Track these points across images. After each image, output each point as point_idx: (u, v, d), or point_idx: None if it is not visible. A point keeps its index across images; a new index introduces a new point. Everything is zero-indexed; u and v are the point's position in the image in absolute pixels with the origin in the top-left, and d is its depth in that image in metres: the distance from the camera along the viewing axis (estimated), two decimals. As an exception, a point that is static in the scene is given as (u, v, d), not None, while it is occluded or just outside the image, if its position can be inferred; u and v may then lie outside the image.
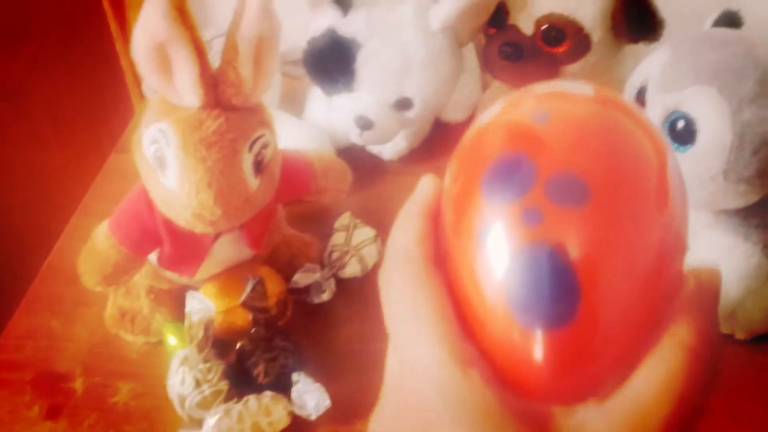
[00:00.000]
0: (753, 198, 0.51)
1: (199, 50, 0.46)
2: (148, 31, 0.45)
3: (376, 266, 0.67)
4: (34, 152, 0.86)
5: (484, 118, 0.30)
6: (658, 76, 0.52)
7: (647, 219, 0.26)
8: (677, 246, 0.28)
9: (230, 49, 0.47)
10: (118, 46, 0.96)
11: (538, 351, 0.26)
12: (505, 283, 0.26)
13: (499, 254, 0.26)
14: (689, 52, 0.51)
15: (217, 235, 0.56)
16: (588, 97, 0.29)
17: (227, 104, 0.49)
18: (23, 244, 0.80)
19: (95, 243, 0.56)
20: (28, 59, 0.83)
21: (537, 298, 0.26)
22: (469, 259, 0.28)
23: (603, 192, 0.26)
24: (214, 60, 0.48)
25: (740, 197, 0.51)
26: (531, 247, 0.26)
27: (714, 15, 0.56)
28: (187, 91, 0.47)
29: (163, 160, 0.49)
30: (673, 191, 0.27)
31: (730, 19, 0.55)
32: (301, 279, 0.63)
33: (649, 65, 0.54)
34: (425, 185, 0.33)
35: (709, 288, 0.30)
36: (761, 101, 0.48)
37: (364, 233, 0.67)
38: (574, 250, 0.25)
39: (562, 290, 0.25)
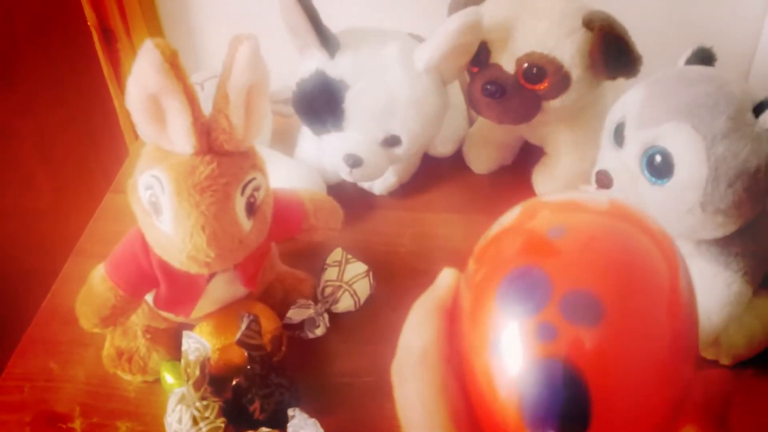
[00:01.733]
0: (730, 228, 0.53)
1: (192, 100, 0.47)
2: (141, 83, 0.46)
3: (369, 300, 0.69)
4: (26, 195, 0.87)
5: (504, 221, 0.32)
6: (635, 113, 0.54)
7: (659, 331, 0.27)
8: (688, 352, 0.28)
9: (221, 98, 0.49)
10: (111, 87, 0.97)
11: None
12: (518, 395, 0.27)
13: (512, 366, 0.27)
14: (664, 90, 0.53)
15: (212, 275, 0.58)
16: (602, 210, 0.30)
17: (219, 150, 0.50)
18: (20, 286, 0.80)
19: (92, 286, 0.57)
20: (19, 102, 0.84)
21: (550, 412, 0.26)
22: (484, 365, 0.29)
23: (616, 310, 0.27)
24: (206, 103, 0.49)
25: (718, 227, 0.53)
26: (545, 363, 0.26)
27: (688, 52, 0.58)
28: (181, 139, 0.49)
29: (157, 205, 0.51)
30: (684, 300, 0.28)
31: (704, 56, 0.57)
32: (295, 315, 0.64)
33: (627, 102, 0.55)
34: (443, 279, 0.34)
35: (718, 393, 0.30)
36: (733, 136, 0.49)
37: (356, 268, 0.68)
38: (587, 367, 0.26)
39: (575, 406, 0.26)
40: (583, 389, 0.26)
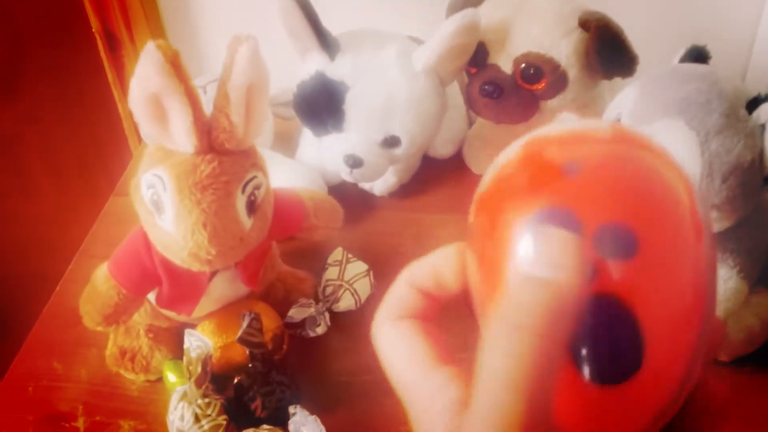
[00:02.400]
0: (725, 224, 0.53)
1: (193, 99, 0.48)
2: (144, 83, 0.47)
3: (370, 299, 0.69)
4: (31, 200, 0.88)
5: (504, 162, 0.29)
6: (630, 110, 0.54)
7: (692, 258, 0.26)
8: (713, 282, 0.28)
9: (222, 98, 0.50)
10: (115, 93, 0.98)
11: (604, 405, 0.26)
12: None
13: None
14: (658, 88, 0.54)
15: (214, 274, 0.58)
16: (609, 138, 0.28)
17: (220, 149, 0.51)
18: (24, 290, 0.81)
19: (95, 284, 0.58)
20: (24, 109, 0.85)
21: (605, 354, 0.25)
22: None
23: (650, 241, 0.25)
24: (209, 106, 0.50)
25: (713, 223, 0.53)
26: (589, 300, 0.25)
27: (682, 51, 0.58)
28: (182, 138, 0.49)
29: (159, 204, 0.51)
30: (705, 224, 0.27)
31: (698, 54, 0.58)
32: (296, 314, 0.64)
33: (622, 100, 0.56)
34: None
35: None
36: (727, 132, 0.50)
37: (357, 267, 0.69)
38: (634, 302, 0.25)
39: (630, 343, 0.25)
40: (635, 325, 0.25)
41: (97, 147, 0.98)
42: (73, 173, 0.95)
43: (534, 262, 0.25)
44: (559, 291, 0.24)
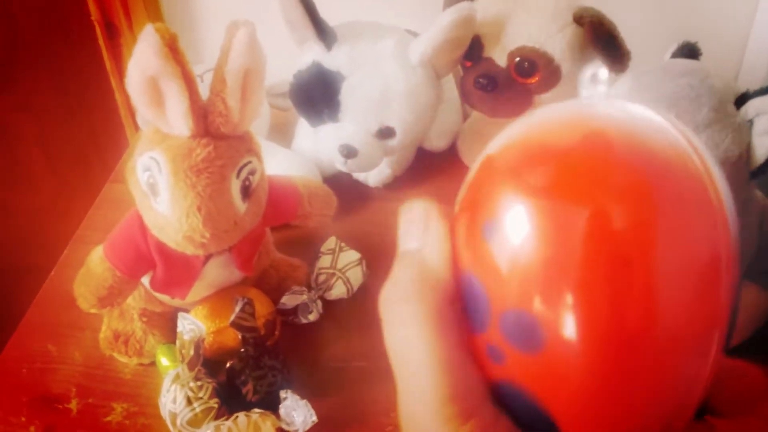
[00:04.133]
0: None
1: (189, 83, 0.49)
2: (141, 67, 0.48)
3: (362, 288, 0.70)
4: (27, 190, 0.88)
5: (460, 196, 0.25)
6: (621, 105, 0.55)
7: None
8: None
9: (218, 81, 0.51)
10: (113, 81, 0.98)
11: None
12: None
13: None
14: (650, 82, 0.54)
15: (208, 258, 0.59)
16: (567, 160, 0.22)
17: (216, 133, 0.52)
18: (20, 273, 0.81)
19: (90, 266, 0.58)
20: (21, 98, 0.85)
21: None
22: None
23: (556, 336, 0.21)
24: (205, 92, 0.51)
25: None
26: (500, 386, 0.23)
27: (673, 46, 0.59)
28: (178, 121, 0.50)
29: (155, 187, 0.52)
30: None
31: (689, 51, 0.59)
32: (288, 300, 0.65)
33: (614, 94, 0.57)
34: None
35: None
36: (716, 126, 0.51)
37: (350, 256, 0.69)
38: (541, 396, 0.22)
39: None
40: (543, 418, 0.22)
41: (94, 136, 0.98)
42: (70, 161, 0.95)
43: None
44: (423, 262, 0.24)
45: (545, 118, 0.24)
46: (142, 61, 0.48)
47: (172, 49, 0.47)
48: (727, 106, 0.52)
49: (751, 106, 0.51)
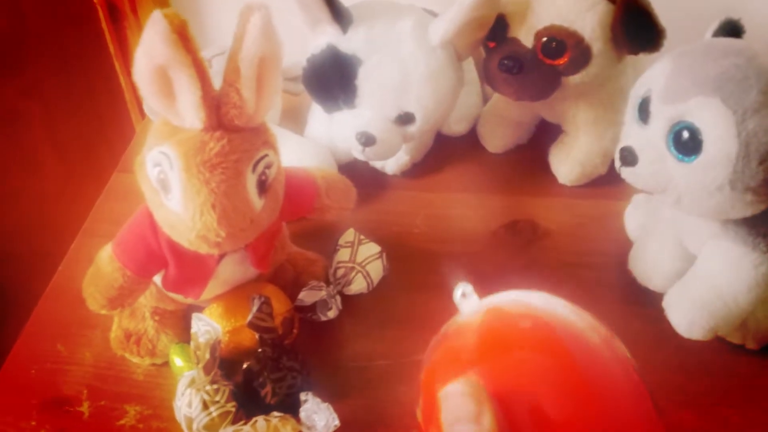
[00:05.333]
0: (760, 207, 0.51)
1: (201, 72, 0.45)
2: (149, 55, 0.45)
3: (382, 282, 0.67)
4: (34, 176, 0.86)
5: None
6: (661, 87, 0.51)
7: None
8: None
9: (232, 71, 0.47)
10: (117, 66, 0.96)
11: None
12: None
13: None
14: (691, 63, 0.51)
15: (222, 256, 0.56)
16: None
17: (230, 125, 0.49)
18: (26, 267, 0.79)
19: (99, 266, 0.56)
20: (27, 84, 0.83)
21: None
22: None
23: None
24: (215, 81, 0.48)
25: (747, 207, 0.51)
26: None
27: (714, 24, 0.55)
28: (190, 113, 0.47)
29: (166, 183, 0.49)
30: None
31: (731, 28, 0.55)
32: (306, 297, 0.63)
33: (652, 76, 0.53)
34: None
35: None
36: (765, 111, 0.47)
37: (369, 249, 0.67)
38: None
39: None
40: None
41: (100, 122, 0.96)
42: (77, 149, 0.93)
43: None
44: None
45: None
46: (150, 49, 0.44)
47: (182, 36, 0.44)
48: (777, 89, 0.48)
49: (804, 89, 0.48)
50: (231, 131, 0.49)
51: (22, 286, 0.75)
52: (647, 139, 0.52)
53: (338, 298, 0.64)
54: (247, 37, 0.46)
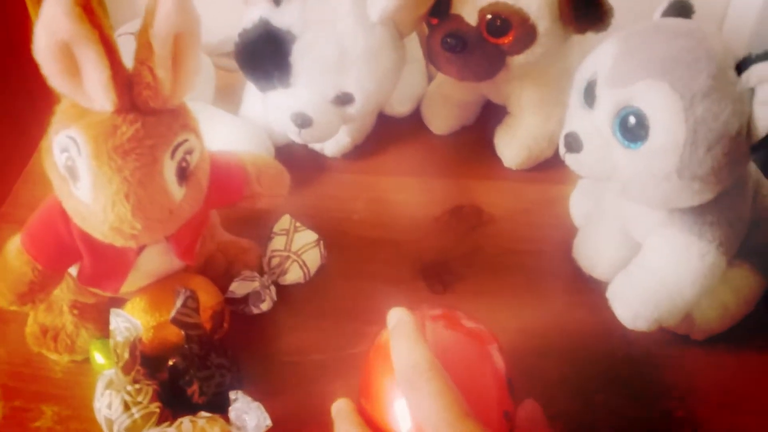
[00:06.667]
0: (707, 196, 0.49)
1: (110, 49, 0.41)
2: (50, 30, 0.40)
3: (319, 271, 0.65)
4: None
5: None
6: (607, 70, 0.49)
7: None
8: None
9: (144, 48, 0.43)
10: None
11: None
12: None
13: None
14: (639, 45, 0.48)
15: (142, 247, 0.53)
16: None
17: (144, 107, 0.45)
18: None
19: (7, 259, 0.52)
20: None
21: None
22: None
23: None
24: (124, 61, 0.44)
25: (695, 195, 0.49)
26: None
27: (664, 4, 0.53)
28: (98, 95, 0.43)
29: (74, 171, 0.45)
30: None
31: (681, 8, 0.53)
32: (238, 288, 0.60)
33: (599, 57, 0.51)
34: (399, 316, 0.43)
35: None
36: (715, 96, 0.45)
37: (306, 237, 0.65)
38: None
39: None
40: None
41: (18, 100, 0.90)
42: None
43: None
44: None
45: None
46: (50, 23, 0.40)
47: (86, 8, 0.39)
48: (727, 73, 0.46)
49: (754, 73, 0.46)
50: (146, 114, 0.45)
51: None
52: (592, 125, 0.50)
53: (273, 288, 0.61)
54: (159, 11, 0.42)
